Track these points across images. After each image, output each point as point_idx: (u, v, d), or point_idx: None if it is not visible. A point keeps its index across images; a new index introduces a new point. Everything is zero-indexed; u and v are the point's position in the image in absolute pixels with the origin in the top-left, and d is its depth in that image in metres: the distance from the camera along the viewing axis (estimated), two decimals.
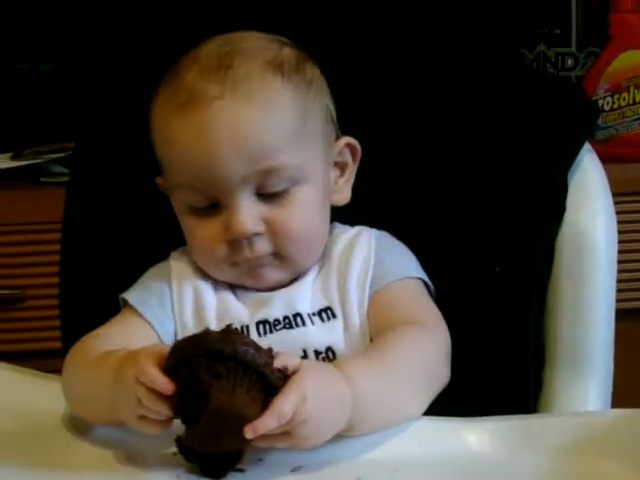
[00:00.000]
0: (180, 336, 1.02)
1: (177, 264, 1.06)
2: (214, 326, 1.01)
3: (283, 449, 0.86)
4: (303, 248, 1.02)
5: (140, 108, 1.17)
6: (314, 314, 1.02)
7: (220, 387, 0.81)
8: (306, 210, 1.00)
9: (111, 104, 1.22)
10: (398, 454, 0.90)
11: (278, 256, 1.01)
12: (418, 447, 0.91)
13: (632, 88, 1.82)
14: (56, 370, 1.10)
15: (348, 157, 1.07)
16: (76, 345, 1.00)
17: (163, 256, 1.09)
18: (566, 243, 1.10)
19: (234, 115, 0.96)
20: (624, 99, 1.82)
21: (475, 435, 0.92)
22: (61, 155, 1.73)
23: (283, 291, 1.03)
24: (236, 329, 0.86)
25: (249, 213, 0.98)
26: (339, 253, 1.05)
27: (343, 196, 1.07)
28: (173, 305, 1.03)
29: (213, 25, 1.15)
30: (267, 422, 0.81)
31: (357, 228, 1.08)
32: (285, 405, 0.82)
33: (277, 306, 1.02)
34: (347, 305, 1.02)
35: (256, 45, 1.02)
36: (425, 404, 0.95)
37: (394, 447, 0.91)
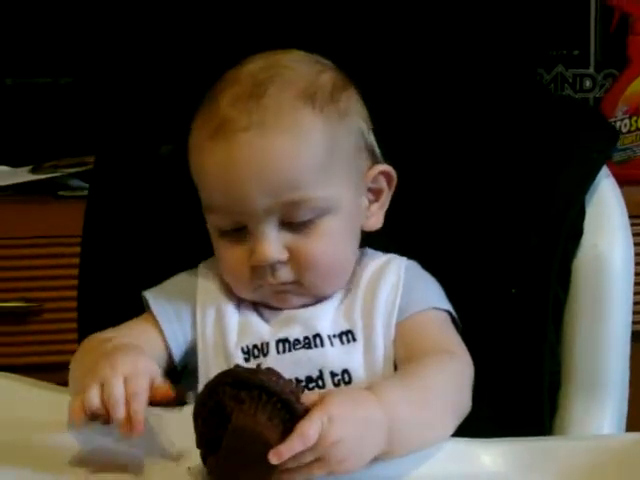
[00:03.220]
0: (201, 351, 1.03)
1: (204, 277, 1.07)
2: (235, 341, 1.02)
3: None
4: (325, 278, 1.02)
5: (161, 122, 1.18)
6: (334, 336, 1.02)
7: (242, 410, 0.81)
8: (331, 241, 1.01)
9: (132, 119, 1.22)
10: (414, 474, 0.90)
11: (299, 284, 1.01)
12: (433, 467, 0.90)
13: None
14: None
15: (383, 184, 1.07)
16: (88, 338, 1.02)
17: (181, 270, 1.09)
18: (583, 266, 1.10)
19: (259, 148, 0.97)
20: None
21: (490, 456, 0.92)
22: (80, 169, 1.73)
23: (306, 311, 1.03)
24: (268, 368, 0.85)
25: (273, 241, 0.99)
26: (367, 279, 1.05)
27: (375, 222, 1.07)
28: (195, 320, 1.05)
29: (238, 45, 1.16)
30: (291, 445, 0.80)
31: (388, 256, 1.08)
32: (308, 427, 0.81)
33: (298, 326, 1.02)
34: (371, 330, 1.02)
35: (294, 72, 1.02)
36: (452, 429, 0.95)
37: (410, 467, 0.90)
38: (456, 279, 1.10)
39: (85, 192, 1.24)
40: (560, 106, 1.21)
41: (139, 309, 1.08)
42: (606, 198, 1.12)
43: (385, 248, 1.10)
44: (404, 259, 1.08)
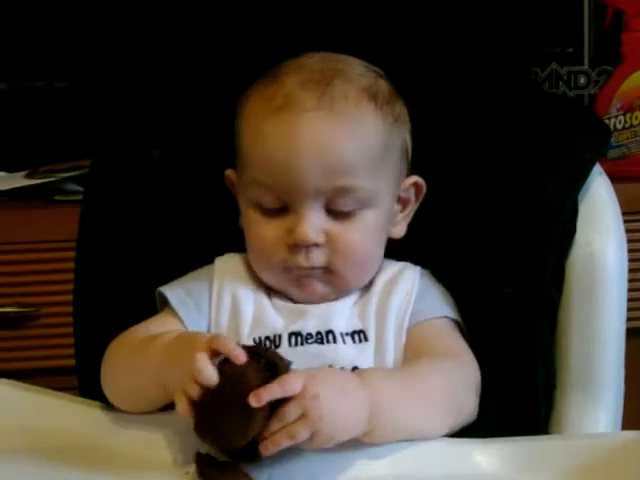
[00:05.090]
0: None
1: (221, 269, 1.09)
2: (247, 332, 1.04)
3: (292, 463, 0.87)
4: (356, 268, 1.04)
5: (155, 126, 1.18)
6: (347, 334, 1.04)
7: (230, 364, 0.85)
8: (367, 233, 1.03)
9: (126, 122, 1.22)
10: (408, 474, 0.90)
11: (329, 271, 1.03)
12: (428, 467, 0.91)
13: None
14: (70, 387, 1.12)
15: (412, 195, 1.10)
16: (118, 338, 1.04)
17: (177, 274, 1.10)
18: (577, 265, 1.10)
19: (325, 129, 1.00)
20: (636, 118, 1.82)
21: (485, 456, 0.92)
22: (75, 173, 1.72)
23: (320, 307, 1.05)
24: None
25: (314, 223, 1.01)
26: (383, 283, 1.07)
27: (400, 230, 1.10)
28: (210, 307, 1.06)
29: (228, 52, 1.16)
30: (271, 389, 0.84)
31: (403, 263, 1.10)
32: (291, 377, 0.85)
33: (312, 320, 1.04)
34: (383, 332, 1.04)
35: (355, 70, 1.06)
36: (446, 428, 0.96)
37: (404, 466, 0.91)
38: (450, 279, 1.11)
39: (81, 196, 1.24)
40: (553, 105, 1.21)
41: (135, 312, 1.09)
42: (599, 196, 1.12)
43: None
44: (418, 268, 1.10)
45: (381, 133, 1.03)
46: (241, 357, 0.85)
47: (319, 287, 1.04)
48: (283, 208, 1.02)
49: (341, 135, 1.01)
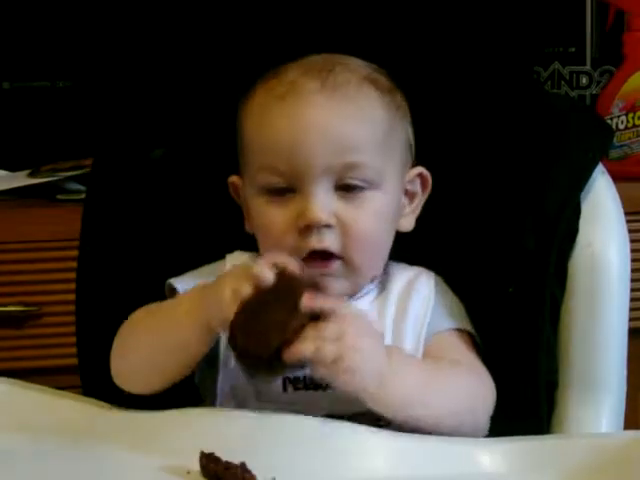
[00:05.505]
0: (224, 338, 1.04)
1: (232, 264, 1.08)
2: None
3: (295, 464, 0.87)
4: (367, 253, 1.04)
5: (157, 126, 1.18)
6: None
7: (283, 274, 0.93)
8: (376, 216, 1.04)
9: (129, 122, 1.22)
10: (411, 474, 0.90)
11: (343, 263, 1.03)
12: (431, 468, 0.91)
13: None
14: (72, 386, 1.12)
15: (418, 187, 1.10)
16: (130, 317, 1.05)
17: (179, 273, 1.10)
18: (579, 264, 1.10)
19: (330, 110, 1.02)
20: (639, 118, 1.82)
21: (488, 456, 0.92)
22: (78, 172, 1.72)
23: None
24: None
25: (324, 203, 1.01)
26: (400, 287, 1.08)
27: (408, 223, 1.10)
28: None
29: (231, 52, 1.16)
30: (327, 301, 0.92)
31: (417, 268, 1.10)
32: (346, 309, 0.94)
33: None
34: (400, 337, 1.04)
35: (355, 62, 1.08)
36: (449, 429, 0.96)
37: (407, 467, 0.91)
38: (453, 278, 1.11)
39: (83, 195, 1.24)
40: (555, 104, 1.21)
41: None
42: (601, 196, 1.12)
43: None
44: (432, 274, 1.10)
45: (384, 117, 1.05)
46: (298, 267, 0.92)
47: (336, 284, 1.03)
48: (292, 192, 1.02)
49: (346, 115, 1.02)
